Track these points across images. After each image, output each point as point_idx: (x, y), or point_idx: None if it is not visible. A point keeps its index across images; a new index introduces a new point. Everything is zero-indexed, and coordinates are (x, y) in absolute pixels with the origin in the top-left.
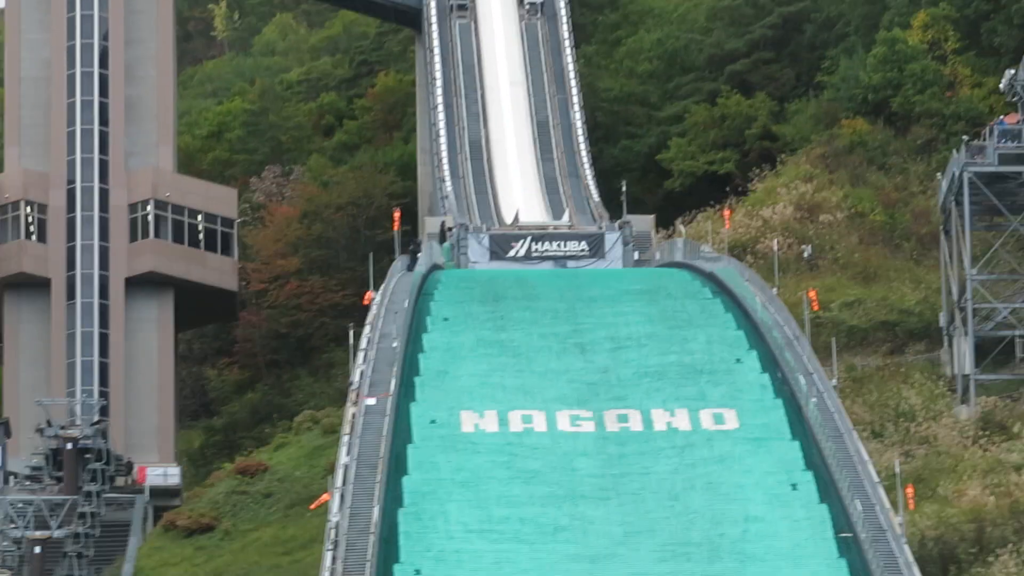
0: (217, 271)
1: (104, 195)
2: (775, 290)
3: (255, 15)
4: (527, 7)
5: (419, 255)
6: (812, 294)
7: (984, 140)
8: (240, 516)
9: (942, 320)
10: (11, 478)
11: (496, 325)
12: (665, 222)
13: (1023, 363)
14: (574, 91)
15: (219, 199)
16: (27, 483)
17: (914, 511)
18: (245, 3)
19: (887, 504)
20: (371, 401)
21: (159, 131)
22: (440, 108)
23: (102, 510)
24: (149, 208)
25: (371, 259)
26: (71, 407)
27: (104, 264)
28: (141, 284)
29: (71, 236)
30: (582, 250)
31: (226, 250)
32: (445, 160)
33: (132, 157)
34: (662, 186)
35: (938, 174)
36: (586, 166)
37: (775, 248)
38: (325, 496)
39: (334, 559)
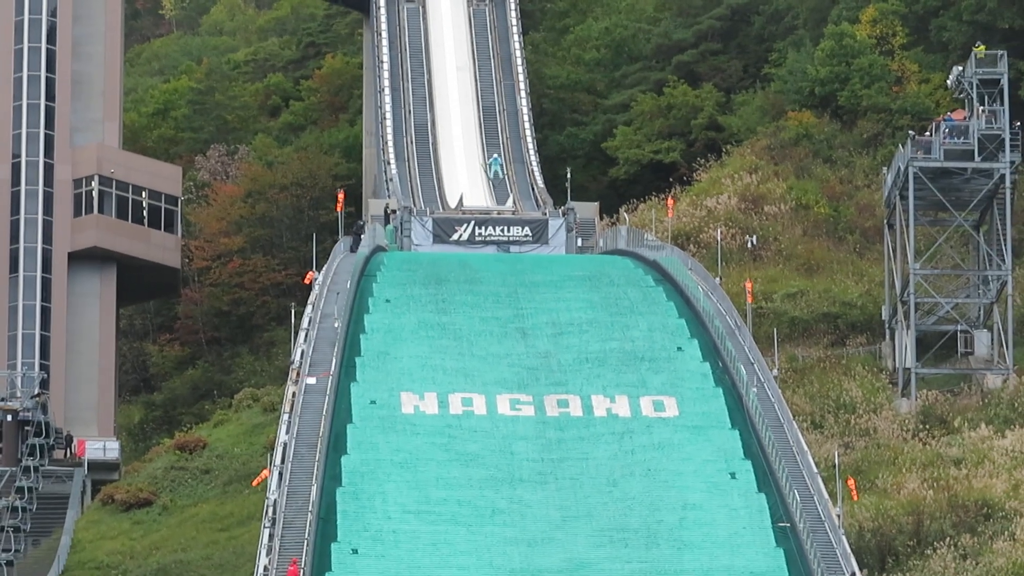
0: (160, 248)
1: (49, 170)
2: (718, 280)
3: None
4: None
5: (362, 236)
6: (748, 285)
7: (930, 135)
8: (178, 492)
9: (884, 313)
10: None
11: (438, 308)
12: (609, 210)
13: (964, 358)
14: (521, 77)
15: (164, 176)
16: None
17: (852, 502)
18: None
19: (825, 495)
20: (311, 380)
21: (105, 107)
22: (387, 91)
23: (40, 485)
24: (94, 184)
25: (314, 239)
26: (11, 379)
27: (47, 238)
28: (84, 259)
29: (15, 209)
30: (525, 235)
31: (170, 227)
32: (391, 143)
33: (77, 133)
34: (607, 174)
35: (883, 168)
36: (531, 152)
37: (719, 238)
38: (265, 472)
39: (271, 536)
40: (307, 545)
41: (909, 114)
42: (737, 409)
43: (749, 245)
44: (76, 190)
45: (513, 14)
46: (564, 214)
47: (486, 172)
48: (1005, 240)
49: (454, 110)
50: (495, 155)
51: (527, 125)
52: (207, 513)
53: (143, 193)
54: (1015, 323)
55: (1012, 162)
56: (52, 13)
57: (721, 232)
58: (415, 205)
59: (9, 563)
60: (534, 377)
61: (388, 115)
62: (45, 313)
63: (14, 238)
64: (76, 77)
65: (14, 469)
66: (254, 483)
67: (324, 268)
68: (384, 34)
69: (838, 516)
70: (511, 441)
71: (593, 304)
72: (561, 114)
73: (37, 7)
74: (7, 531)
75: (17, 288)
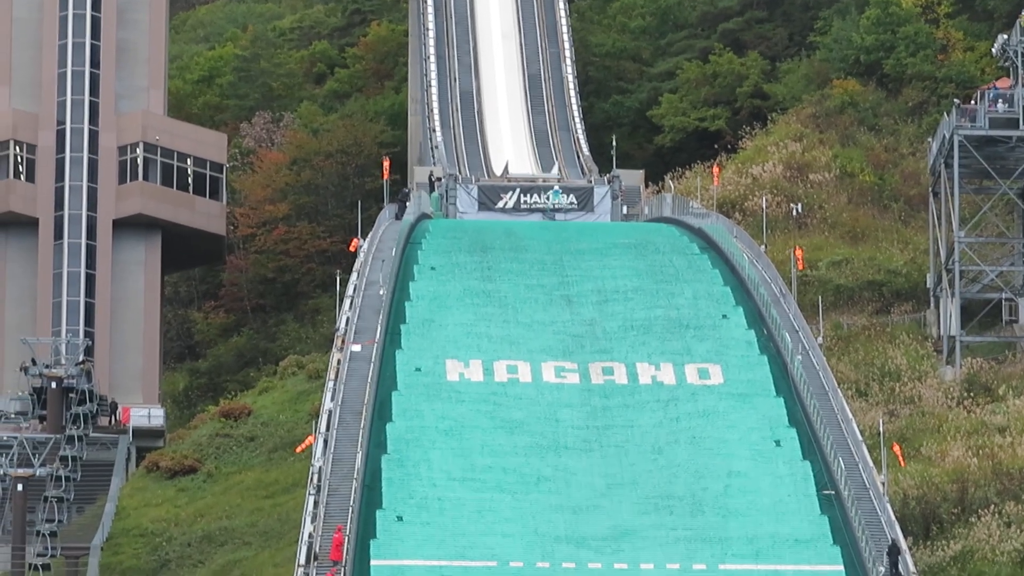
0: (205, 215)
1: (94, 137)
2: (763, 248)
3: None
4: None
5: (408, 204)
6: (798, 252)
7: (975, 104)
8: (223, 459)
9: (929, 281)
10: None
11: (483, 275)
12: (654, 178)
13: (1009, 326)
14: (566, 45)
15: (209, 144)
16: (13, 417)
17: (897, 470)
18: None
19: (870, 463)
20: (356, 348)
21: (150, 74)
22: (432, 59)
23: (84, 455)
24: (138, 151)
25: (359, 207)
26: (56, 347)
27: (92, 205)
28: (129, 226)
29: (60, 177)
30: (571, 203)
31: (214, 194)
32: (436, 110)
33: (122, 100)
34: (652, 142)
35: (928, 136)
36: (576, 120)
37: (764, 206)
38: (309, 439)
39: (316, 504)
40: (352, 512)
41: (954, 82)
42: (782, 377)
43: (794, 213)
44: (121, 157)
45: None
46: (609, 182)
47: (549, 203)
48: None
49: (499, 78)
50: (557, 188)
51: (572, 93)
52: (252, 480)
53: (188, 160)
54: None
55: None
56: None
57: (766, 200)
58: (460, 173)
59: (53, 533)
60: (579, 344)
61: (433, 82)
62: (90, 280)
63: (59, 205)
64: (121, 44)
65: (59, 436)
66: (298, 450)
67: (369, 235)
68: (430, 1)
69: (882, 484)
70: (556, 408)
71: (638, 272)
72: (606, 82)
73: None
74: (51, 502)
75: (62, 255)
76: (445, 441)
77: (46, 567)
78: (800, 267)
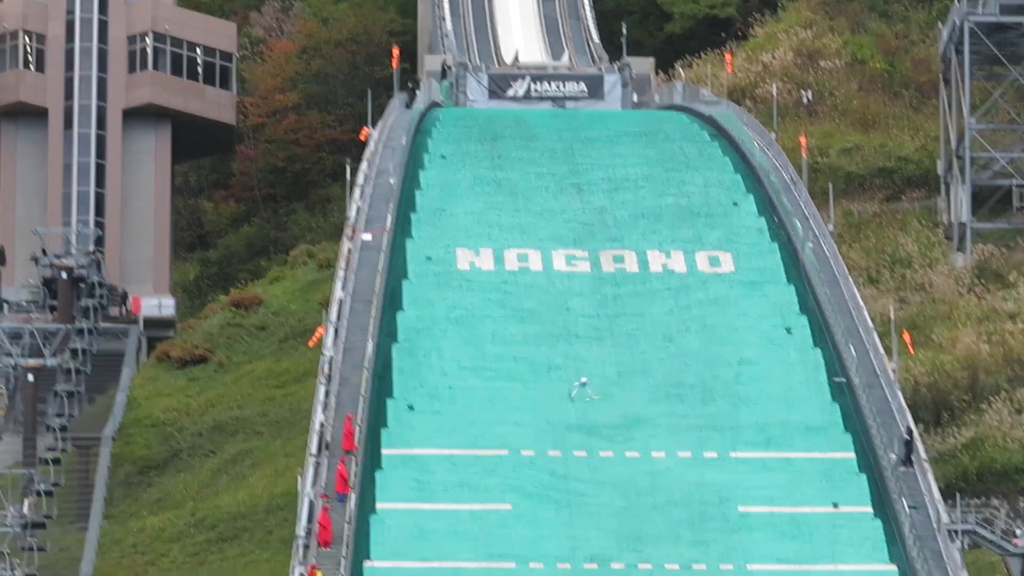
0: (215, 104)
1: (103, 26)
2: (773, 135)
3: None
4: None
5: (418, 92)
6: (802, 141)
7: None
8: (234, 348)
9: (940, 168)
10: (5, 306)
11: (494, 164)
12: (664, 66)
13: (1020, 212)
14: None
15: (218, 33)
16: (24, 304)
17: (908, 357)
18: None
19: (881, 350)
20: (367, 236)
21: None
22: None
23: (94, 347)
24: (148, 40)
25: (369, 96)
26: (66, 237)
27: (102, 95)
28: (138, 116)
29: (69, 67)
30: (581, 91)
31: (224, 84)
32: None
33: None
34: (662, 29)
35: (939, 23)
36: (586, 7)
37: (774, 93)
38: (320, 331)
39: (327, 393)
40: (363, 401)
41: None
42: (793, 264)
43: (804, 100)
44: (130, 47)
45: None
46: (620, 70)
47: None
48: None
49: None
50: (584, 380)
51: None
52: (263, 370)
53: (197, 50)
54: None
55: None
56: None
57: (776, 87)
58: (470, 61)
59: (63, 428)
60: (590, 233)
61: None
62: (100, 170)
63: (68, 95)
64: None
65: (69, 327)
66: (310, 343)
67: (379, 124)
68: None
69: (893, 371)
70: (567, 297)
71: (649, 160)
72: None
73: None
74: (61, 396)
75: (72, 146)
76: (456, 330)
77: (56, 461)
78: (804, 155)
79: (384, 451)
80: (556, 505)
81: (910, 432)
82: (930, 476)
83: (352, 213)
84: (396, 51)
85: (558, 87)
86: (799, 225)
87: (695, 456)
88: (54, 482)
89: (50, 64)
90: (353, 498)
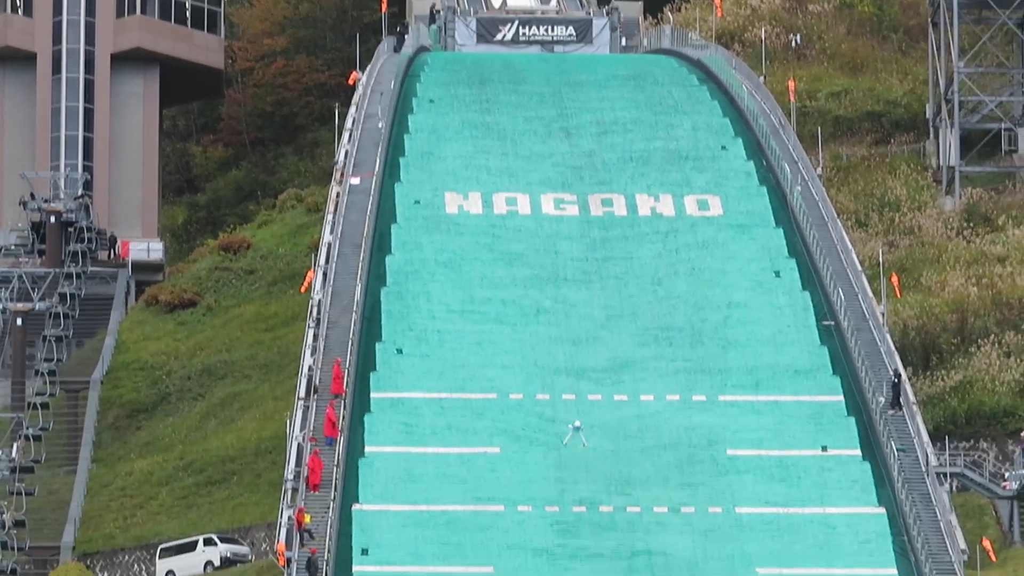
0: (203, 49)
1: None
2: (762, 79)
3: None
4: None
5: (406, 37)
6: (791, 84)
7: None
8: (222, 292)
9: (928, 112)
10: None
11: (482, 108)
12: (653, 9)
13: (1008, 156)
14: None
15: None
16: (12, 248)
17: (897, 301)
18: None
19: (870, 293)
20: (355, 180)
21: None
22: None
23: (83, 291)
24: None
25: (358, 39)
26: (55, 181)
27: (90, 39)
28: (127, 60)
29: (57, 11)
30: (569, 35)
31: (212, 28)
32: None
33: None
34: None
35: None
36: None
37: (763, 37)
38: (310, 274)
39: (316, 336)
40: (351, 345)
41: None
42: (781, 207)
43: (793, 44)
44: None
45: None
46: (608, 14)
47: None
48: None
49: None
50: (578, 423)
51: None
52: (251, 314)
53: None
54: None
55: None
56: None
57: (765, 31)
58: (459, 5)
59: (51, 372)
60: (578, 176)
61: None
62: (88, 115)
63: (56, 40)
64: None
65: (57, 271)
66: (302, 289)
67: (368, 68)
68: None
69: (882, 314)
70: (555, 240)
71: (637, 103)
72: None
73: None
74: (50, 340)
75: (60, 90)
76: (444, 273)
77: (45, 406)
78: (792, 98)
79: (373, 394)
80: (544, 448)
81: (898, 375)
82: (919, 419)
83: (340, 157)
84: None
85: (546, 31)
86: (787, 168)
87: (684, 399)
88: (42, 426)
89: (38, 8)
90: (342, 442)
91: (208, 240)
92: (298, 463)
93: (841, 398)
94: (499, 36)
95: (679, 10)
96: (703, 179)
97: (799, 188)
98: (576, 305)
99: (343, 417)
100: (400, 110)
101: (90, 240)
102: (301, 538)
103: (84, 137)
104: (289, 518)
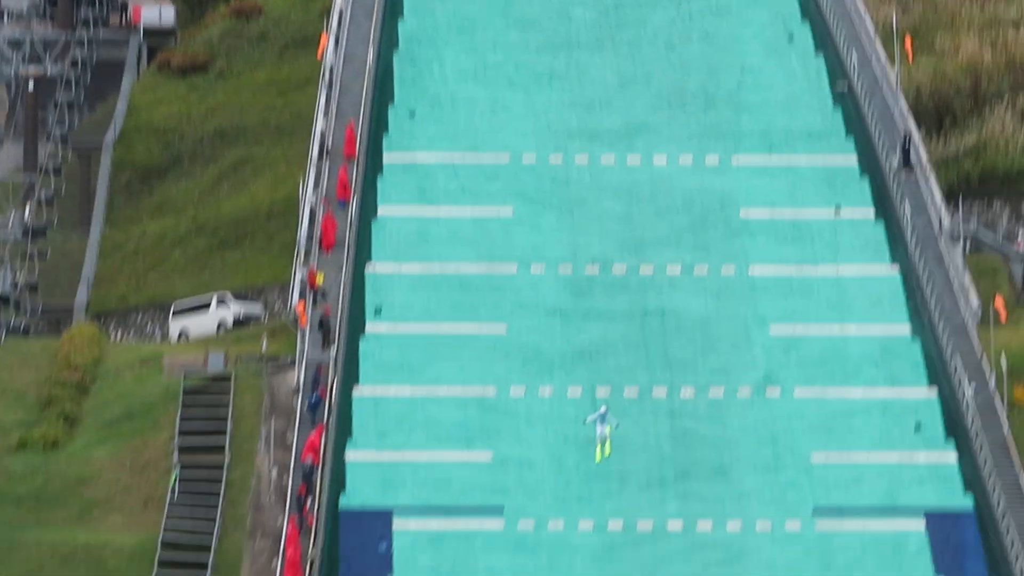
0: None
1: None
2: None
3: None
4: None
5: None
6: None
7: None
8: (235, 57)
9: None
10: (5, 13)
11: None
12: None
13: None
14: None
15: None
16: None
17: (910, 64)
18: None
19: (883, 56)
20: None
21: None
22: None
23: (95, 56)
24: None
25: None
26: None
27: None
28: None
29: None
30: None
31: None
32: None
33: None
34: None
35: None
36: None
37: None
38: (324, 40)
39: (328, 100)
40: (364, 108)
41: None
42: None
43: None
44: None
45: None
46: None
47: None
48: None
49: None
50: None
51: None
52: (264, 78)
53: None
54: None
55: None
56: None
57: None
58: None
59: (63, 137)
60: None
61: None
62: None
63: None
64: None
65: (69, 36)
66: (318, 56)
67: None
68: None
69: (896, 77)
70: (569, 6)
71: None
72: None
73: None
74: (61, 106)
75: None
76: (457, 38)
77: (57, 171)
78: None
79: (386, 157)
80: (557, 210)
81: (908, 135)
82: (932, 180)
83: None
84: None
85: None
86: None
87: (696, 162)
88: (55, 190)
89: None
90: (354, 203)
91: (220, 5)
92: (310, 224)
93: (855, 159)
94: None
95: None
96: None
97: None
98: (589, 70)
99: (355, 179)
100: None
101: (101, 4)
102: (314, 298)
103: None
104: (302, 280)
